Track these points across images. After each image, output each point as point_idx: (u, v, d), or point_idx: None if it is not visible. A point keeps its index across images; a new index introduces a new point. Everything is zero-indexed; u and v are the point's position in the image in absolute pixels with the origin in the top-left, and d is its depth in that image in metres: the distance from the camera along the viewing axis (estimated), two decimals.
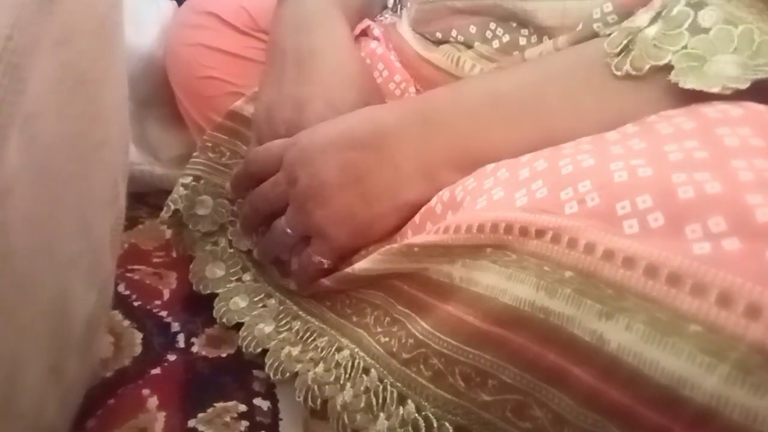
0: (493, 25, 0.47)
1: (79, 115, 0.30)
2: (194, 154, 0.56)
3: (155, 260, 0.62)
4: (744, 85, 0.30)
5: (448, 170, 0.38)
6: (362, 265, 0.39)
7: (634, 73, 0.33)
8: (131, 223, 0.67)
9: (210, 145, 0.55)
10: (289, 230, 0.43)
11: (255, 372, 0.50)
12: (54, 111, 0.28)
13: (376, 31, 0.56)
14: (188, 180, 0.55)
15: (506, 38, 0.46)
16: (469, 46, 0.48)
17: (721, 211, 0.23)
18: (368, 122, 0.41)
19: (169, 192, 0.56)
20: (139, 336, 0.53)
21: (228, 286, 0.54)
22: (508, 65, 0.45)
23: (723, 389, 0.21)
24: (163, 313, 0.55)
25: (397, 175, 0.39)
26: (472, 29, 0.48)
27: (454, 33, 0.49)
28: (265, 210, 0.45)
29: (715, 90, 0.30)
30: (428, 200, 0.38)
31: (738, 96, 0.30)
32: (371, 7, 0.61)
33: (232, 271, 0.55)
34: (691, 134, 0.27)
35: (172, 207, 0.54)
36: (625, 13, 0.38)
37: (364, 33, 0.57)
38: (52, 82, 0.27)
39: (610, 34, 0.36)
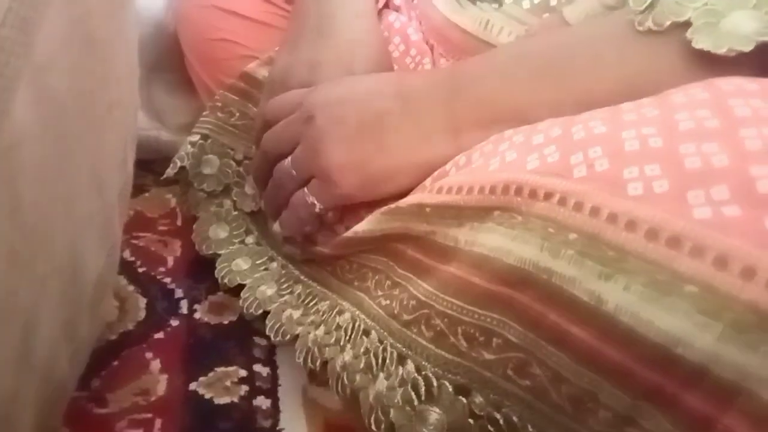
0: None
1: (89, 73, 0.30)
2: (204, 113, 0.56)
3: (160, 228, 0.63)
4: (748, 48, 0.30)
5: (471, 128, 0.38)
6: (363, 226, 0.39)
7: (655, 28, 0.34)
8: (137, 190, 0.67)
9: (220, 104, 0.56)
10: (294, 171, 0.42)
11: (256, 339, 0.51)
12: (64, 67, 0.28)
13: (397, 1, 0.56)
14: (196, 138, 0.55)
15: None
16: (500, 4, 0.48)
17: (725, 181, 0.23)
18: (395, 81, 0.41)
19: None
20: (143, 301, 0.54)
21: (231, 247, 0.54)
22: (542, 26, 0.45)
23: (716, 347, 0.21)
24: (167, 280, 0.56)
25: (420, 131, 0.39)
26: None
27: None
28: (274, 151, 0.44)
29: (722, 51, 0.31)
30: (446, 161, 0.37)
31: (755, 67, 0.30)
32: None
33: (235, 233, 0.55)
34: (703, 103, 0.27)
35: (179, 164, 0.55)
36: None
37: (387, 4, 0.57)
38: (62, 37, 0.27)
39: None
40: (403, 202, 0.36)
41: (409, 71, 0.47)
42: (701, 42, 0.31)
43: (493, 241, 0.29)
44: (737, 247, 0.22)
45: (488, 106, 0.38)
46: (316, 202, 0.41)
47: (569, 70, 0.37)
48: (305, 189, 0.42)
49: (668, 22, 0.33)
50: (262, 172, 0.47)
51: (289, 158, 0.43)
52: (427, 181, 0.38)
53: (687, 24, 0.32)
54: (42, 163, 0.27)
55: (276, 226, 0.47)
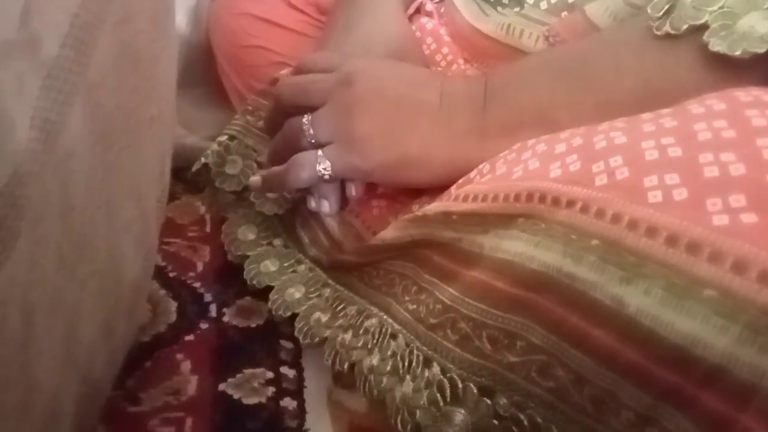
0: None
1: (134, 90, 0.32)
2: (235, 116, 0.57)
3: (190, 234, 0.64)
4: (762, 49, 0.31)
5: (497, 133, 0.39)
6: (390, 233, 0.40)
7: (672, 32, 0.34)
8: (168, 198, 0.68)
9: (250, 108, 0.56)
10: (311, 129, 0.41)
11: (282, 342, 0.52)
12: (113, 85, 0.30)
13: (429, 7, 0.57)
14: (223, 138, 0.56)
15: None
16: (521, 7, 0.49)
17: (742, 190, 0.24)
18: (440, 77, 0.42)
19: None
20: (174, 304, 0.55)
21: (259, 249, 0.54)
22: (564, 25, 0.46)
23: (734, 349, 0.22)
24: (197, 284, 0.57)
25: (452, 129, 0.40)
26: None
27: None
28: (293, 100, 0.42)
29: (737, 54, 0.31)
30: (467, 165, 0.38)
31: None
32: None
33: (263, 234, 0.55)
34: (720, 114, 0.28)
35: (203, 161, 0.55)
36: None
37: (418, 10, 0.58)
38: (112, 57, 0.29)
39: None
40: (430, 210, 0.37)
41: (452, 76, 0.48)
42: (717, 45, 0.32)
43: (516, 247, 0.30)
44: (755, 252, 0.22)
45: (512, 111, 0.39)
46: (326, 170, 0.40)
47: (589, 73, 0.38)
48: (319, 151, 0.41)
49: (685, 26, 0.34)
50: (273, 121, 0.45)
51: (309, 115, 0.41)
52: (452, 189, 0.38)
53: (704, 27, 0.33)
54: (90, 173, 0.29)
55: (256, 178, 0.46)
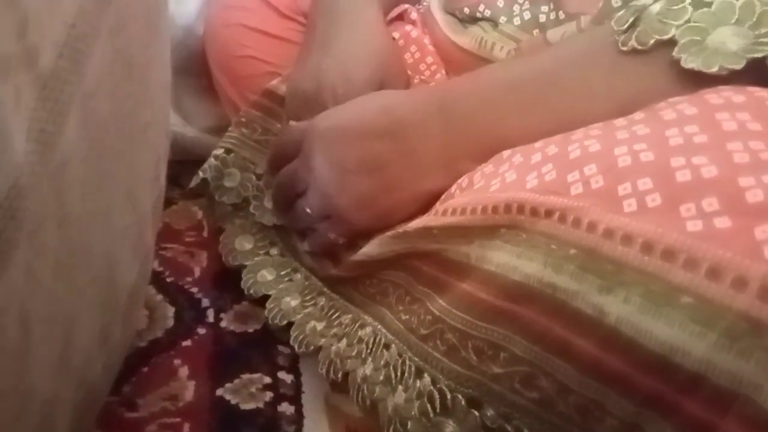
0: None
1: (128, 96, 0.32)
2: (229, 129, 0.58)
3: (187, 239, 0.65)
4: (739, 65, 0.31)
5: (467, 160, 0.39)
6: (373, 249, 0.40)
7: (639, 47, 0.34)
8: (165, 203, 0.67)
9: (244, 120, 0.57)
10: (309, 211, 0.44)
11: (279, 347, 0.52)
12: (107, 92, 0.30)
13: (414, 15, 0.58)
14: (220, 152, 0.57)
15: (527, 15, 0.48)
16: (495, 24, 0.49)
17: (715, 193, 0.24)
18: (386, 111, 0.42)
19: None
20: (171, 310, 0.55)
21: (256, 259, 0.55)
22: (528, 45, 0.46)
23: (711, 355, 0.22)
24: (194, 290, 0.58)
25: (417, 165, 0.40)
26: (500, 3, 0.49)
27: (481, 8, 0.50)
28: (289, 191, 0.46)
29: (713, 70, 0.31)
30: (447, 188, 0.38)
31: (744, 79, 0.31)
32: None
33: (260, 244, 0.56)
34: (692, 119, 0.28)
35: (201, 175, 0.57)
36: None
37: (401, 17, 0.59)
38: (106, 65, 0.29)
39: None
40: (410, 227, 0.37)
41: (400, 92, 0.48)
42: (691, 61, 0.32)
43: (500, 257, 0.30)
44: (729, 258, 0.23)
45: (480, 140, 0.39)
46: (338, 237, 0.43)
47: (559, 101, 0.37)
48: (326, 225, 0.44)
49: (652, 41, 0.34)
50: (281, 204, 0.48)
51: (304, 200, 0.44)
52: (437, 204, 0.38)
53: (671, 42, 0.33)
54: (86, 180, 0.29)
55: (305, 246, 0.49)
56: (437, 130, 0.40)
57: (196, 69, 0.69)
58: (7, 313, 0.24)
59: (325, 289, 0.50)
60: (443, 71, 0.54)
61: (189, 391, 0.48)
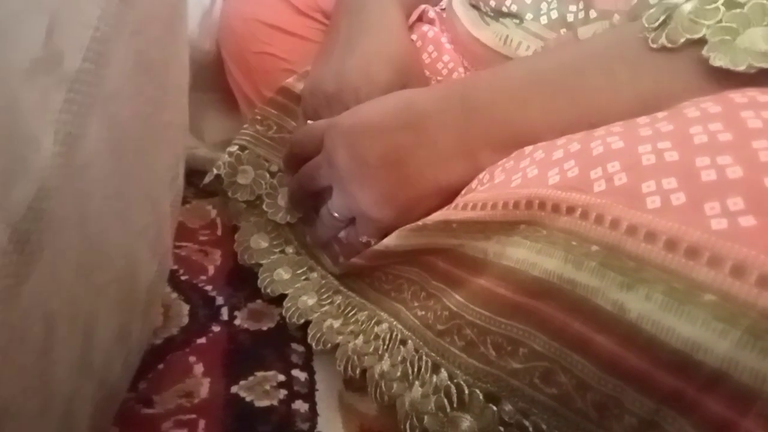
0: None
1: (149, 98, 0.33)
2: (244, 125, 0.58)
3: (201, 238, 0.65)
4: (767, 64, 0.31)
5: (487, 151, 0.39)
6: (392, 240, 0.40)
7: (669, 45, 0.34)
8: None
9: (259, 118, 0.57)
10: (336, 214, 0.44)
11: (293, 345, 0.52)
12: (128, 94, 0.30)
13: (431, 14, 0.58)
14: (234, 149, 0.57)
15: (554, 14, 0.47)
16: (521, 20, 0.49)
17: (740, 193, 0.24)
18: (407, 105, 0.42)
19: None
20: (186, 308, 0.55)
21: (271, 257, 0.55)
22: (558, 44, 0.46)
23: (734, 353, 0.22)
24: (208, 288, 0.58)
25: (438, 157, 0.40)
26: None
27: (508, 2, 0.50)
28: (310, 188, 0.46)
29: (741, 69, 0.31)
30: (469, 181, 0.38)
31: None
32: None
33: (275, 242, 0.56)
34: (716, 117, 0.28)
35: (215, 172, 0.57)
36: None
37: (420, 18, 0.59)
38: (127, 67, 0.30)
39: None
40: (429, 220, 0.37)
41: (421, 88, 0.47)
42: (719, 59, 0.32)
43: (519, 253, 0.31)
44: (753, 256, 0.23)
45: (502, 131, 0.39)
46: (369, 238, 0.43)
47: (582, 92, 0.37)
48: (356, 229, 0.44)
49: (682, 40, 0.33)
50: (299, 201, 0.48)
51: (329, 204, 0.44)
52: (458, 199, 0.38)
53: (701, 41, 0.33)
54: (106, 181, 0.29)
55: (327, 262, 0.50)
56: (458, 120, 0.40)
57: (203, 84, 0.69)
58: (32, 314, 0.25)
59: (342, 288, 0.50)
60: (460, 69, 0.54)
61: (204, 388, 0.48)
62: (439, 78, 0.55)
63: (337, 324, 0.47)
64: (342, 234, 0.45)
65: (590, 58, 0.38)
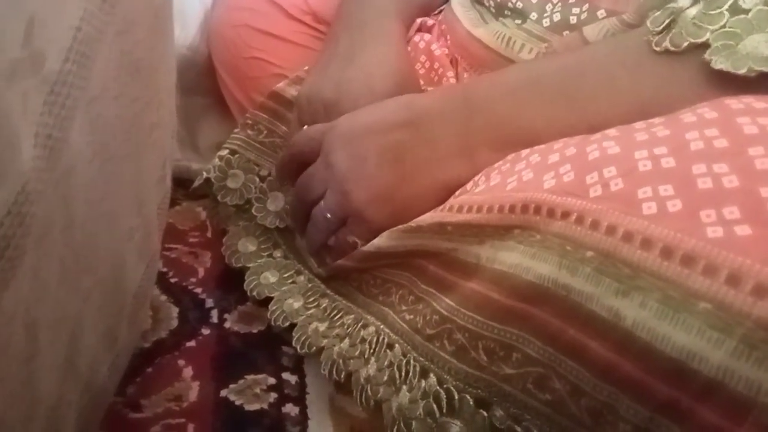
0: None
1: (134, 99, 0.32)
2: (235, 130, 0.58)
3: (191, 240, 0.65)
4: None
5: (486, 150, 0.39)
6: (384, 241, 0.40)
7: (672, 49, 0.34)
8: (169, 204, 0.69)
9: (250, 122, 0.57)
10: (328, 214, 0.44)
11: (284, 348, 0.52)
12: (113, 95, 0.30)
13: (430, 21, 0.58)
14: (225, 153, 0.57)
15: (557, 17, 0.47)
16: (523, 20, 0.49)
17: (736, 202, 0.24)
18: (407, 104, 0.42)
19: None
20: (175, 310, 0.55)
21: (259, 261, 0.55)
22: (563, 44, 0.46)
23: (729, 362, 0.22)
24: (198, 290, 0.58)
25: (436, 155, 0.40)
26: None
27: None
28: (307, 198, 0.45)
29: (742, 72, 0.31)
30: (466, 181, 0.38)
31: None
32: (433, 1, 0.62)
33: (263, 246, 0.56)
34: (712, 123, 0.28)
35: (205, 175, 0.57)
36: None
37: (419, 28, 0.59)
38: (112, 68, 0.29)
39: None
40: (423, 221, 0.37)
41: (426, 94, 0.48)
42: (720, 63, 0.32)
43: (512, 258, 0.30)
44: (749, 265, 0.23)
45: (501, 129, 0.39)
46: (357, 240, 0.43)
47: (582, 94, 0.37)
48: (345, 230, 0.43)
49: (686, 44, 0.34)
50: (299, 214, 0.48)
51: (322, 203, 0.44)
52: (450, 200, 0.38)
53: (704, 45, 0.33)
54: (91, 185, 0.29)
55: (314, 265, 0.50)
56: (459, 117, 0.40)
57: (201, 88, 0.69)
58: (14, 321, 0.24)
59: (328, 291, 0.50)
60: (450, 73, 0.54)
61: (193, 391, 0.48)
62: (430, 88, 0.55)
63: (322, 327, 0.47)
64: (331, 241, 0.45)
65: (591, 63, 0.39)
